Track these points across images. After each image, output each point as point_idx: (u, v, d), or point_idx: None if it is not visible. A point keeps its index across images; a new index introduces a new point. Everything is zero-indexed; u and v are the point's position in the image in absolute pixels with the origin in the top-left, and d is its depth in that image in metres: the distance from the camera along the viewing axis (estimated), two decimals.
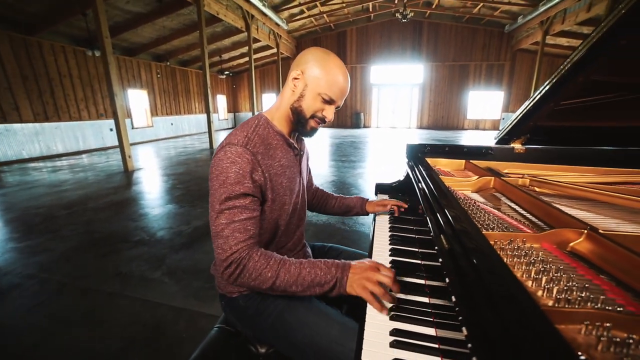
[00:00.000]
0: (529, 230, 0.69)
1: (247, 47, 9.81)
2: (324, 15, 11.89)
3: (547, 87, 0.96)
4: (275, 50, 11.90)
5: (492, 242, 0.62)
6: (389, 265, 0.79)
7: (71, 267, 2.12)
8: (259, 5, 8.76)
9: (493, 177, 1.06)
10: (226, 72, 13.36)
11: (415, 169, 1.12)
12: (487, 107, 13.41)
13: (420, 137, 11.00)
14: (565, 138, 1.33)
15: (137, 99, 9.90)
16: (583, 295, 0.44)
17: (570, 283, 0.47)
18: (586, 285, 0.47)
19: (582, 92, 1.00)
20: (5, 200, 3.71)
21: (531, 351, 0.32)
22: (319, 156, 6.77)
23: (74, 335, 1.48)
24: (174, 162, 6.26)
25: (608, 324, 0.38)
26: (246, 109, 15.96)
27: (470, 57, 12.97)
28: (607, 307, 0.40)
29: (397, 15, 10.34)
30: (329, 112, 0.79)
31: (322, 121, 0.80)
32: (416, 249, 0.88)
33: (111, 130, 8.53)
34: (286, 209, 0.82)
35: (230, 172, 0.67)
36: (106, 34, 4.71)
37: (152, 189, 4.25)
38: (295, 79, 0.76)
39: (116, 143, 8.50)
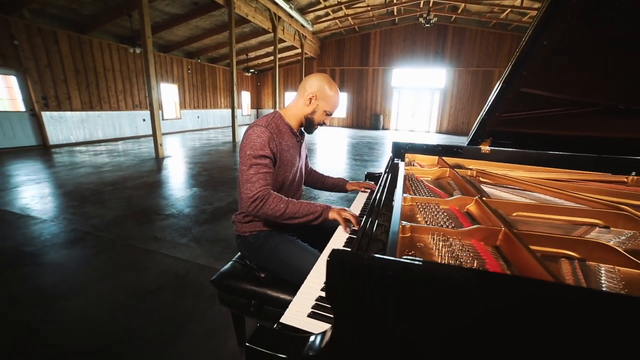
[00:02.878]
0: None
1: (272, 47, 10.31)
2: (349, 17, 12.17)
3: (491, 98, 1.25)
4: (299, 50, 12.35)
5: (414, 203, 0.94)
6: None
7: (118, 229, 2.60)
8: (286, 7, 9.19)
9: (448, 169, 1.36)
10: (251, 70, 13.98)
11: (392, 160, 1.44)
12: None
13: (439, 142, 11.02)
14: (525, 142, 1.59)
15: (168, 93, 10.68)
16: (443, 223, 0.76)
17: (442, 220, 0.79)
18: (451, 221, 0.79)
19: (523, 104, 1.28)
20: (61, 176, 4.35)
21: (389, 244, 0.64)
22: (335, 154, 7.11)
23: (124, 275, 1.93)
24: (199, 152, 6.82)
25: (442, 233, 0.70)
26: (269, 106, 16.56)
27: (495, 64, 12.77)
28: (450, 227, 0.72)
29: (421, 20, 10.45)
30: (327, 119, 1.21)
31: (322, 125, 1.21)
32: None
33: (144, 120, 9.30)
34: (287, 175, 1.19)
35: (256, 142, 1.04)
36: (149, 34, 5.30)
37: (179, 174, 4.77)
38: (310, 99, 1.13)
39: (147, 132, 9.30)
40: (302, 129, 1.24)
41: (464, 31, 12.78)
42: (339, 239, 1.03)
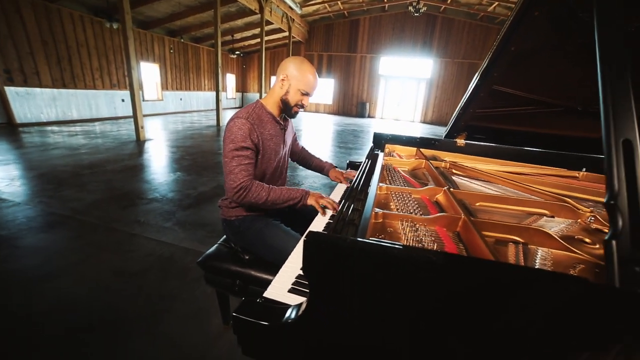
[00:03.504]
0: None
1: (259, 29, 9.96)
2: (339, 2, 11.90)
3: (466, 94, 1.33)
4: (287, 33, 12.01)
5: (389, 192, 1.02)
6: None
7: (100, 213, 2.57)
8: None
9: (424, 160, 1.45)
10: (237, 52, 13.50)
11: (373, 150, 1.52)
12: None
13: (422, 131, 11.25)
14: (499, 137, 1.71)
15: (149, 72, 10.19)
16: (413, 211, 0.84)
17: (412, 208, 0.87)
18: (421, 209, 0.87)
19: (495, 101, 1.37)
20: (33, 158, 4.16)
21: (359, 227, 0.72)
22: (320, 142, 7.13)
23: (107, 258, 1.94)
24: (182, 136, 6.65)
25: (410, 220, 0.78)
26: (254, 89, 16.14)
27: (481, 56, 12.97)
28: (419, 214, 0.81)
29: (410, 8, 10.39)
30: (306, 101, 1.20)
31: (302, 107, 1.20)
32: None
33: (123, 101, 8.87)
34: (271, 163, 1.23)
35: (238, 135, 1.08)
36: (127, 9, 5.01)
37: (162, 157, 4.67)
38: (282, 80, 1.15)
39: (127, 114, 8.91)
40: (284, 114, 1.27)
41: (452, 22, 12.84)
42: (319, 224, 1.11)
